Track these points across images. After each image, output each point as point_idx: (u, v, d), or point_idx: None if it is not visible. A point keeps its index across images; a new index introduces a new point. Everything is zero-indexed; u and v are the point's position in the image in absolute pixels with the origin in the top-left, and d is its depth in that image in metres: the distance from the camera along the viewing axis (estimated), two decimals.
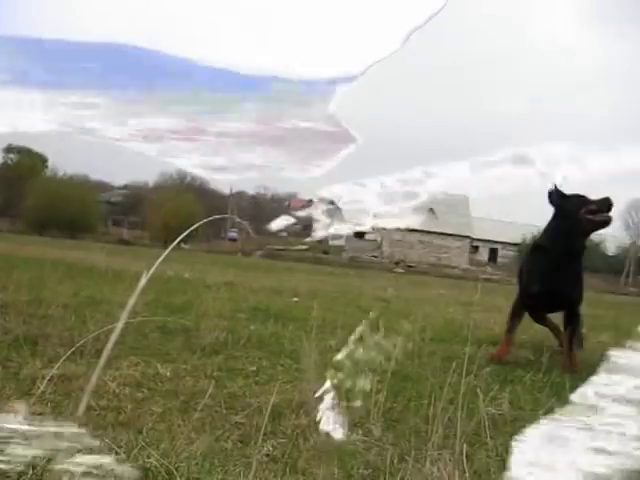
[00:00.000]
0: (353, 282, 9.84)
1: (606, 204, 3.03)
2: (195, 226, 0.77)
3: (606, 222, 3.07)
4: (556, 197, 3.14)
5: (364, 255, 37.11)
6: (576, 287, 3.30)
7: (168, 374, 2.06)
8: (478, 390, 1.58)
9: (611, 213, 3.02)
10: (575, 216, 3.06)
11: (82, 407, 0.41)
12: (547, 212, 3.27)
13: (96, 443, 0.64)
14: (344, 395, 0.70)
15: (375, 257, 38.10)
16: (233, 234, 47.74)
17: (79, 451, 0.67)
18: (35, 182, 45.97)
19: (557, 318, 3.48)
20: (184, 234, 0.72)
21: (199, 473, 1.20)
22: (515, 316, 3.26)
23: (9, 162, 55.77)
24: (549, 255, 3.10)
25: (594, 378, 0.74)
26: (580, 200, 3.08)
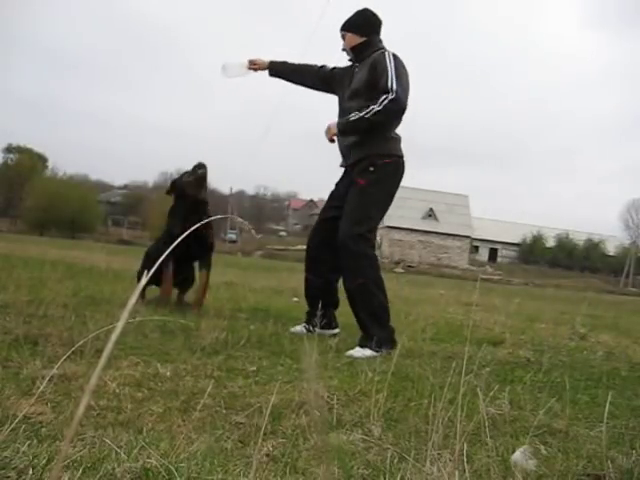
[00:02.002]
0: None
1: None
2: (195, 226, 0.77)
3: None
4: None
5: None
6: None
7: (168, 374, 2.06)
8: (478, 390, 1.58)
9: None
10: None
11: (82, 407, 0.41)
12: None
13: None
14: None
15: None
16: (232, 236, 47.64)
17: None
18: (35, 182, 45.96)
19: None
20: (184, 234, 0.72)
21: (199, 473, 1.20)
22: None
23: (9, 162, 55.73)
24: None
25: None
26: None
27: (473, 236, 48.41)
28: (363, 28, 3.26)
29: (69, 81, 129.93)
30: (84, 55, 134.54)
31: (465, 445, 1.25)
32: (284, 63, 3.54)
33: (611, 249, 53.40)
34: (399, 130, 3.24)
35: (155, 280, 3.83)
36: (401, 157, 3.22)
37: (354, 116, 3.04)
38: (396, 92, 2.94)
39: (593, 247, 53.25)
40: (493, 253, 54.12)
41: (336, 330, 3.41)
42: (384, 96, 2.95)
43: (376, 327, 2.98)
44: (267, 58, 3.57)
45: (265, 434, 1.49)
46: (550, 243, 52.53)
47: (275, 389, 1.85)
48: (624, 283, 42.00)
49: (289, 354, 2.64)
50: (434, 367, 2.58)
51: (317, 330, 3.18)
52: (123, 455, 1.23)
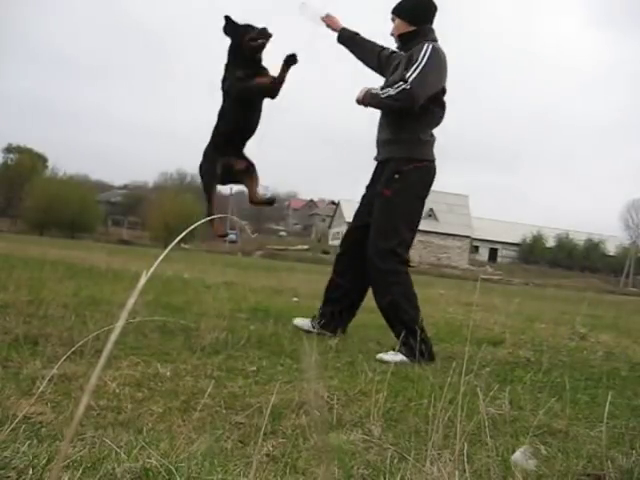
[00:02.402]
0: None
1: (264, 32, 3.26)
2: (194, 225, 0.77)
3: (262, 46, 3.31)
4: (228, 27, 3.36)
5: None
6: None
7: (168, 374, 2.06)
8: (478, 390, 1.58)
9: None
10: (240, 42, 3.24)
11: (82, 407, 0.41)
12: None
13: None
14: None
15: None
16: (232, 236, 47.64)
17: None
18: (35, 182, 45.99)
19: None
20: (184, 233, 0.72)
21: (199, 473, 1.20)
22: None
23: (9, 162, 55.75)
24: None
25: None
26: (245, 28, 3.28)
27: (473, 236, 48.43)
28: (413, 15, 3.05)
29: (69, 81, 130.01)
30: (84, 55, 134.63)
31: (465, 445, 1.25)
32: (355, 35, 3.38)
33: (611, 249, 53.43)
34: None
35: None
36: (431, 161, 3.08)
37: (375, 90, 2.98)
38: (411, 85, 2.83)
39: (593, 247, 53.28)
40: (493, 253, 54.13)
41: (337, 337, 3.28)
42: (400, 84, 2.87)
43: (411, 339, 2.84)
44: (342, 22, 3.42)
45: (265, 434, 1.49)
46: (550, 243, 52.54)
47: (275, 389, 1.85)
48: (624, 283, 42.00)
49: (289, 354, 2.64)
50: (434, 367, 2.59)
51: (316, 329, 3.17)
52: (123, 455, 1.23)
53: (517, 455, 1.44)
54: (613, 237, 53.20)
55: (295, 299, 5.60)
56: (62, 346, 2.25)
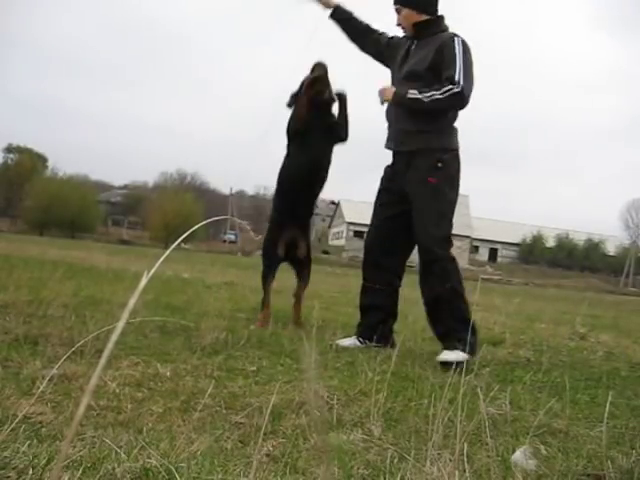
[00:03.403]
0: (353, 282, 9.84)
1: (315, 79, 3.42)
2: (196, 227, 0.77)
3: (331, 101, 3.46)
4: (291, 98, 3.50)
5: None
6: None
7: (168, 374, 2.06)
8: (478, 390, 1.58)
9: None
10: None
11: (82, 407, 0.41)
12: None
13: None
14: None
15: None
16: (231, 236, 47.56)
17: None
18: (35, 182, 46.00)
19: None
20: (185, 234, 0.72)
21: (199, 473, 1.20)
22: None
23: (9, 162, 55.77)
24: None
25: None
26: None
27: (473, 236, 48.41)
28: (425, 5, 3.03)
29: (69, 81, 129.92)
30: (84, 55, 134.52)
31: (465, 445, 1.25)
32: (350, 15, 3.29)
33: (611, 249, 53.44)
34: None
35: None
36: (459, 151, 3.06)
37: (413, 94, 2.87)
38: (462, 87, 2.79)
39: (593, 247, 53.29)
40: (493, 253, 54.13)
41: (395, 349, 3.04)
42: (449, 87, 2.80)
43: (464, 332, 2.71)
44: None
45: (265, 434, 1.49)
46: (550, 243, 52.55)
47: (275, 389, 1.85)
48: (624, 283, 42.00)
49: (289, 354, 2.64)
50: (434, 367, 2.59)
51: (369, 343, 3.03)
52: (123, 455, 1.23)
53: (517, 455, 1.44)
54: (613, 237, 53.21)
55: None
56: (62, 346, 2.25)
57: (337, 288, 8.06)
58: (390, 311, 3.15)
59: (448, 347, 2.76)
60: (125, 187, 69.84)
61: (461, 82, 2.80)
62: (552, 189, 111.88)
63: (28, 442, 1.26)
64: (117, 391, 1.78)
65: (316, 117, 3.37)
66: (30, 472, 1.13)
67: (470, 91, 2.86)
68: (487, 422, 1.39)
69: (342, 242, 50.98)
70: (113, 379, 1.90)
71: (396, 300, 3.18)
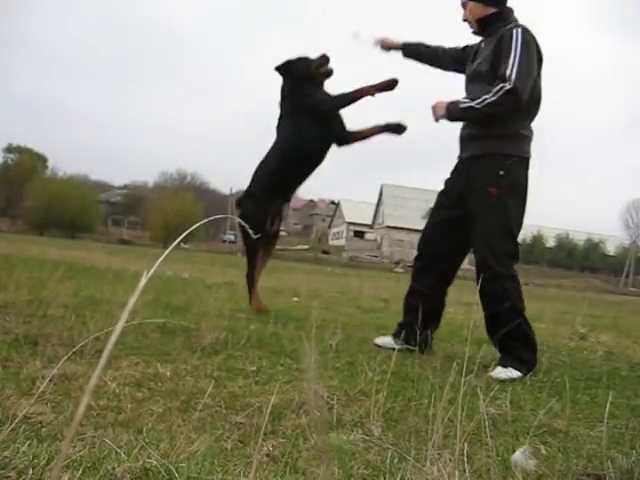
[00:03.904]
0: (353, 282, 9.84)
1: (326, 58, 3.39)
2: (195, 226, 0.77)
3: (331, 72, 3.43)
4: (283, 66, 3.49)
5: (364, 255, 37.09)
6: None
7: (168, 374, 2.06)
8: (478, 390, 1.58)
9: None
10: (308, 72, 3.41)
11: (82, 407, 0.41)
12: None
13: None
14: None
15: (375, 257, 38.08)
16: (231, 236, 47.57)
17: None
18: (35, 182, 46.01)
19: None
20: (184, 234, 0.72)
21: (199, 473, 1.20)
22: None
23: (9, 162, 55.79)
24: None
25: None
26: (303, 60, 3.43)
27: None
28: None
29: (69, 81, 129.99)
30: (84, 55, 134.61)
31: (465, 445, 1.25)
32: (419, 45, 3.22)
33: (611, 249, 53.43)
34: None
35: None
36: (528, 159, 2.83)
37: (465, 103, 2.71)
38: (513, 83, 2.57)
39: (593, 247, 53.29)
40: None
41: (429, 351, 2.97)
42: (500, 85, 2.61)
43: (525, 350, 2.71)
44: (399, 39, 3.26)
45: (265, 434, 1.49)
46: (550, 243, 52.55)
47: (275, 389, 1.85)
48: (624, 283, 41.99)
49: (289, 354, 2.64)
50: (434, 367, 2.58)
51: (404, 345, 2.97)
52: (123, 455, 1.23)
53: (517, 455, 1.44)
54: (613, 237, 53.20)
55: (295, 299, 5.60)
56: (62, 346, 2.25)
57: (337, 288, 8.05)
58: (431, 315, 2.99)
59: (502, 364, 2.66)
60: (125, 187, 69.84)
61: (512, 78, 2.58)
62: (552, 189, 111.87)
63: (28, 442, 1.26)
64: (117, 391, 1.78)
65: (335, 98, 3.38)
66: (30, 472, 1.13)
67: (524, 89, 2.60)
68: (487, 422, 1.39)
69: (342, 242, 50.98)
70: (113, 379, 1.90)
71: (440, 305, 3.03)
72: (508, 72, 2.60)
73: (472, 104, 2.67)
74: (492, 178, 2.74)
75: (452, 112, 2.76)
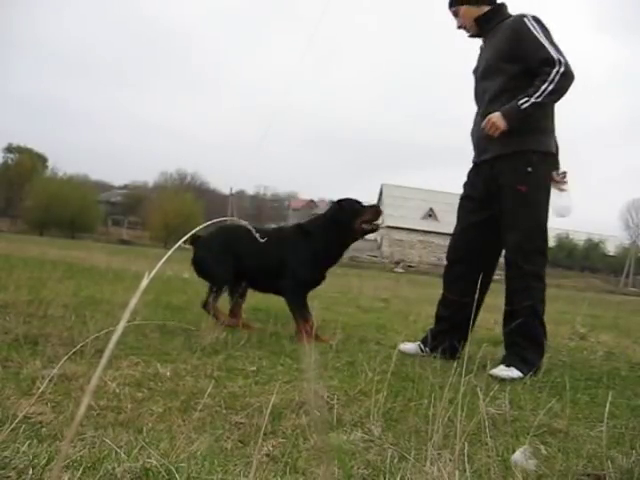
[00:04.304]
0: (353, 282, 9.84)
1: (379, 212, 3.31)
2: (198, 229, 0.77)
3: (377, 229, 3.32)
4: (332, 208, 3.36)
5: (364, 255, 37.10)
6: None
7: (168, 374, 2.06)
8: (478, 390, 1.58)
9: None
10: (351, 226, 3.22)
11: (82, 407, 0.41)
12: None
13: None
14: None
15: (375, 257, 38.09)
16: None
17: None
18: (35, 182, 46.01)
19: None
20: (187, 236, 0.72)
21: (199, 473, 1.20)
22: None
23: (9, 162, 55.83)
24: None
25: None
26: (355, 209, 3.25)
27: None
28: None
29: (69, 81, 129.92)
30: (84, 55, 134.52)
31: (465, 445, 1.25)
32: None
33: (611, 249, 53.41)
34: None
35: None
36: (552, 154, 2.77)
37: (523, 102, 2.57)
38: (565, 62, 2.53)
39: (593, 247, 53.26)
40: None
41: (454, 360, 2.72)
42: (553, 70, 2.53)
43: (532, 353, 2.67)
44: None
45: (265, 434, 1.49)
46: (550, 243, 52.41)
47: (275, 389, 1.85)
48: (624, 283, 41.97)
49: (289, 354, 2.64)
50: (434, 367, 2.58)
51: (430, 352, 2.90)
52: (123, 455, 1.23)
53: (517, 455, 1.44)
54: (613, 237, 53.19)
55: None
56: (62, 346, 2.25)
57: (337, 288, 8.05)
58: (458, 323, 2.86)
59: (507, 362, 2.63)
60: (125, 187, 69.86)
61: (561, 58, 2.54)
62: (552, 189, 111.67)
63: (28, 442, 1.26)
64: (117, 391, 1.78)
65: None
66: (30, 472, 1.13)
67: (566, 58, 2.57)
68: (487, 422, 1.39)
69: None
70: (113, 379, 1.90)
71: (468, 313, 2.76)
72: (552, 54, 2.55)
73: (533, 100, 2.56)
74: (521, 176, 2.68)
75: (513, 118, 2.62)
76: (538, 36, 2.59)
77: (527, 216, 2.71)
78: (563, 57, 2.56)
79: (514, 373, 2.57)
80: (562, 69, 2.53)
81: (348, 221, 3.19)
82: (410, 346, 3.06)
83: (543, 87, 2.54)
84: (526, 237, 2.72)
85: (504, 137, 2.66)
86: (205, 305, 3.27)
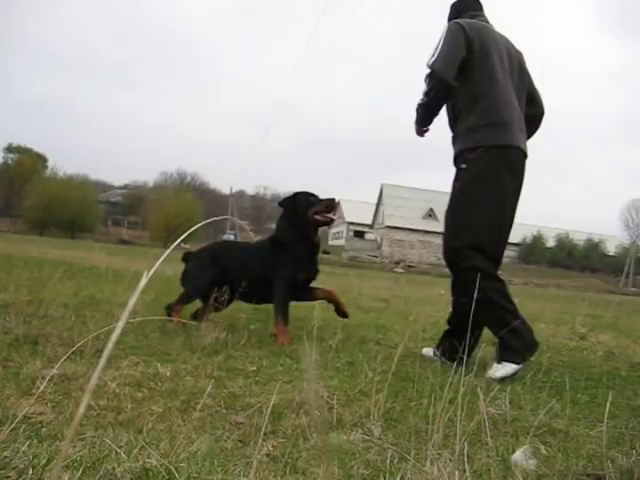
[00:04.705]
0: (353, 282, 9.84)
1: (332, 205, 3.33)
2: (196, 227, 0.77)
3: (331, 222, 3.37)
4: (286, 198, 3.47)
5: (364, 255, 37.09)
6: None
7: (168, 374, 2.06)
8: (478, 390, 1.58)
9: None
10: (304, 216, 3.29)
11: (82, 407, 0.41)
12: None
13: None
14: None
15: (375, 257, 38.08)
16: (231, 236, 47.56)
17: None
18: (35, 182, 46.02)
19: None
20: (185, 234, 0.72)
21: (199, 473, 1.20)
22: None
23: (9, 162, 55.82)
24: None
25: None
26: (308, 200, 3.34)
27: None
28: (451, 13, 3.03)
29: (70, 81, 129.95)
30: (85, 55, 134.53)
31: (465, 445, 1.25)
32: None
33: (611, 249, 53.43)
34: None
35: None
36: (500, 146, 2.70)
37: (415, 106, 2.84)
38: (431, 67, 2.70)
39: (593, 247, 53.27)
40: None
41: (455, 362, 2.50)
42: (426, 75, 2.76)
43: (514, 339, 2.57)
44: None
45: (265, 434, 1.49)
46: (550, 243, 52.53)
47: (275, 389, 1.85)
48: (624, 283, 41.96)
49: (289, 354, 2.65)
50: (434, 367, 2.58)
51: (438, 357, 2.88)
52: (123, 455, 1.23)
53: (517, 455, 1.44)
54: (613, 237, 53.22)
55: None
56: (62, 346, 2.25)
57: (337, 288, 8.04)
58: (456, 324, 2.87)
59: (497, 360, 2.60)
60: (125, 187, 69.89)
61: (430, 62, 2.70)
62: (552, 189, 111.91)
63: (28, 442, 1.26)
64: (117, 391, 1.78)
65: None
66: (30, 472, 1.13)
67: (444, 69, 2.66)
68: (487, 422, 1.39)
69: (342, 242, 51.00)
70: (113, 379, 1.90)
71: (466, 313, 2.66)
72: (429, 60, 2.73)
73: (418, 102, 2.83)
74: (457, 174, 2.80)
75: (418, 130, 2.95)
76: (438, 43, 2.75)
77: (455, 213, 2.79)
78: (434, 62, 2.69)
79: (508, 368, 2.52)
80: (429, 72, 2.73)
81: (301, 212, 3.29)
82: (427, 350, 3.05)
83: (421, 96, 2.82)
84: (453, 234, 2.78)
85: (455, 141, 2.85)
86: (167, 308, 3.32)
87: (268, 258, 3.29)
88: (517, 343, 2.59)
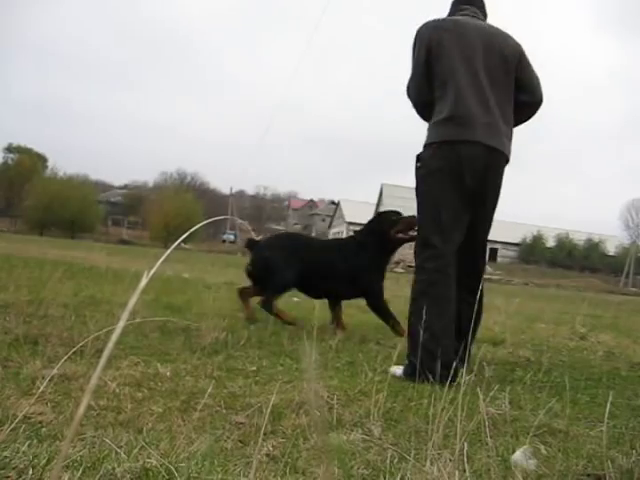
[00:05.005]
0: None
1: (413, 222, 3.47)
2: (196, 227, 0.77)
3: (413, 239, 3.43)
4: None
5: None
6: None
7: (168, 374, 2.06)
8: (478, 390, 1.57)
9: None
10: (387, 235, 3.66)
11: (82, 407, 0.41)
12: None
13: None
14: None
15: None
16: (231, 236, 47.52)
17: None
18: (35, 182, 46.03)
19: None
20: (185, 234, 0.72)
21: (199, 473, 1.20)
22: None
23: (9, 162, 55.83)
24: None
25: None
26: (391, 219, 3.70)
27: None
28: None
29: (70, 81, 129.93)
30: (85, 55, 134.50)
31: (465, 445, 1.25)
32: None
33: (611, 249, 53.41)
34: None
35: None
36: (452, 141, 2.59)
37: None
38: (407, 94, 2.83)
39: (593, 247, 53.25)
40: (493, 253, 54.05)
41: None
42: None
43: (411, 350, 2.43)
44: None
45: (265, 434, 1.49)
46: (550, 243, 52.52)
47: (275, 389, 1.85)
48: (624, 283, 41.96)
49: (289, 354, 2.64)
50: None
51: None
52: (123, 455, 1.23)
53: (517, 455, 1.44)
54: (613, 237, 53.21)
55: (295, 299, 5.59)
56: (62, 346, 2.25)
57: None
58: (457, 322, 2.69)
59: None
60: (125, 187, 69.90)
61: (406, 85, 2.83)
62: (552, 189, 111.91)
63: (28, 442, 1.26)
64: (117, 391, 1.78)
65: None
66: (30, 472, 1.13)
67: (413, 91, 2.79)
68: (487, 422, 1.39)
69: None
70: (113, 379, 1.90)
71: (462, 316, 2.64)
72: (407, 80, 2.83)
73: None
74: (415, 173, 2.78)
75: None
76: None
77: (416, 210, 2.81)
78: (407, 87, 2.82)
79: (396, 371, 2.41)
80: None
81: (384, 231, 3.63)
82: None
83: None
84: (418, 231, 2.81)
85: None
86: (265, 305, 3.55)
87: (352, 258, 3.63)
88: (413, 360, 2.38)
